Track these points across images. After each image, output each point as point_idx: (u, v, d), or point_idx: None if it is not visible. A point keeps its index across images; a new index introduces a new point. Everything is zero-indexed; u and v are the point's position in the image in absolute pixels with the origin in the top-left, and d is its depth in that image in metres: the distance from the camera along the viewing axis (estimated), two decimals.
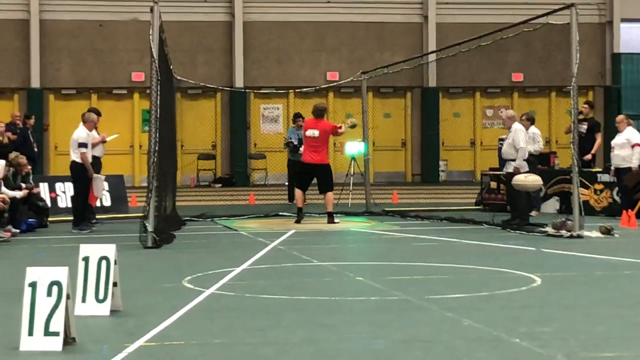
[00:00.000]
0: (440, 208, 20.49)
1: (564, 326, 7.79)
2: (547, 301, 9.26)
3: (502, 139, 18.56)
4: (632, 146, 18.06)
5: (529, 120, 18.67)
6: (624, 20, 28.12)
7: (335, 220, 17.49)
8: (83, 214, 16.35)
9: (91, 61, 26.13)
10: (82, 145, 15.72)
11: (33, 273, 6.73)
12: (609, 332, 7.56)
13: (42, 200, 17.49)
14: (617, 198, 18.59)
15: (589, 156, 19.55)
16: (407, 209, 20.54)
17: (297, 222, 17.41)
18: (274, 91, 25.27)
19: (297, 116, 22.56)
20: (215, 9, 26.79)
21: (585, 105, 20.45)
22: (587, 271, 11.62)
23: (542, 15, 17.40)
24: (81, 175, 16.03)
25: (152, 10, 14.27)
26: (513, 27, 18.38)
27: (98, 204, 17.55)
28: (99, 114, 17.39)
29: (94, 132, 16.57)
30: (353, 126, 18.98)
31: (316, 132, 17.30)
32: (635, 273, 11.46)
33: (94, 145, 16.33)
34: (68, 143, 16.57)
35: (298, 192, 17.87)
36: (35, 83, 25.56)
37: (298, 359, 6.82)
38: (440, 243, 14.96)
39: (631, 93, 27.94)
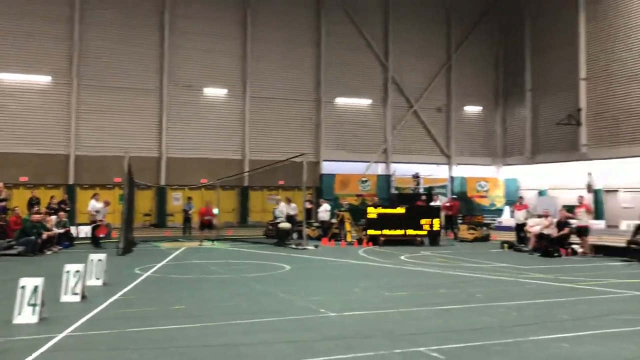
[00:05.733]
0: (250, 237, 21.73)
1: (302, 288, 9.47)
2: (293, 277, 10.98)
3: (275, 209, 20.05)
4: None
5: (290, 201, 20.34)
6: (324, 160, 33.11)
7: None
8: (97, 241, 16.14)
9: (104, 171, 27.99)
10: (94, 210, 17.09)
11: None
12: (325, 289, 9.34)
13: (72, 233, 19.47)
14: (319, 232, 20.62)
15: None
16: (234, 237, 21.71)
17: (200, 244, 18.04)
18: (177, 186, 28.17)
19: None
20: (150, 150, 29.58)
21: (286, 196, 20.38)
22: (310, 263, 13.71)
23: (288, 160, 21.13)
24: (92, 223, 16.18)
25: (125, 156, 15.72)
26: (273, 165, 20.71)
27: (101, 235, 19.07)
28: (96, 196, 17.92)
29: (98, 203, 17.88)
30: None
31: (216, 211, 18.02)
32: (327, 264, 13.43)
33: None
34: (85, 208, 17.21)
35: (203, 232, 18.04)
36: (71, 181, 28.12)
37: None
38: (245, 251, 16.36)
39: (327, 191, 32.07)
